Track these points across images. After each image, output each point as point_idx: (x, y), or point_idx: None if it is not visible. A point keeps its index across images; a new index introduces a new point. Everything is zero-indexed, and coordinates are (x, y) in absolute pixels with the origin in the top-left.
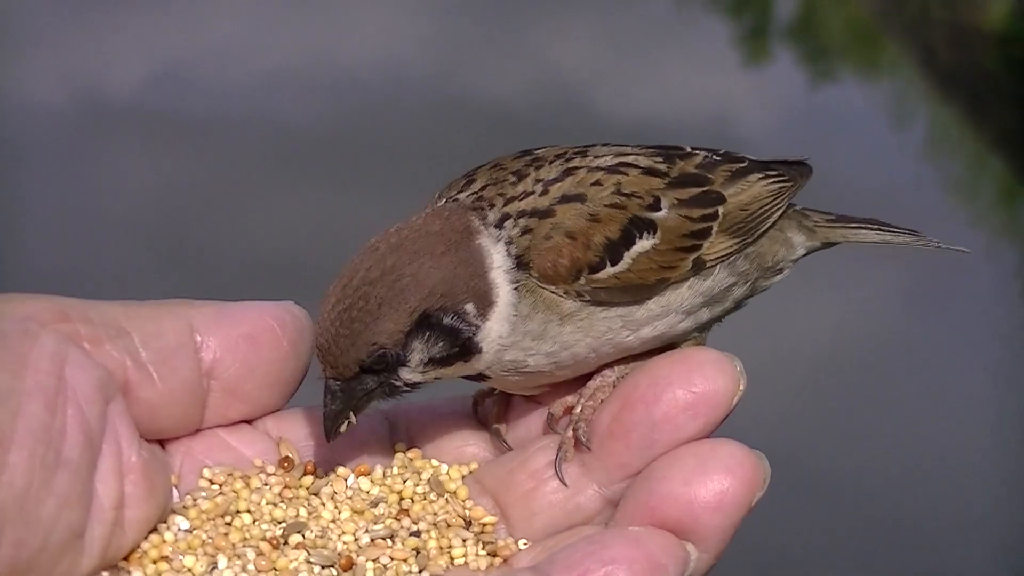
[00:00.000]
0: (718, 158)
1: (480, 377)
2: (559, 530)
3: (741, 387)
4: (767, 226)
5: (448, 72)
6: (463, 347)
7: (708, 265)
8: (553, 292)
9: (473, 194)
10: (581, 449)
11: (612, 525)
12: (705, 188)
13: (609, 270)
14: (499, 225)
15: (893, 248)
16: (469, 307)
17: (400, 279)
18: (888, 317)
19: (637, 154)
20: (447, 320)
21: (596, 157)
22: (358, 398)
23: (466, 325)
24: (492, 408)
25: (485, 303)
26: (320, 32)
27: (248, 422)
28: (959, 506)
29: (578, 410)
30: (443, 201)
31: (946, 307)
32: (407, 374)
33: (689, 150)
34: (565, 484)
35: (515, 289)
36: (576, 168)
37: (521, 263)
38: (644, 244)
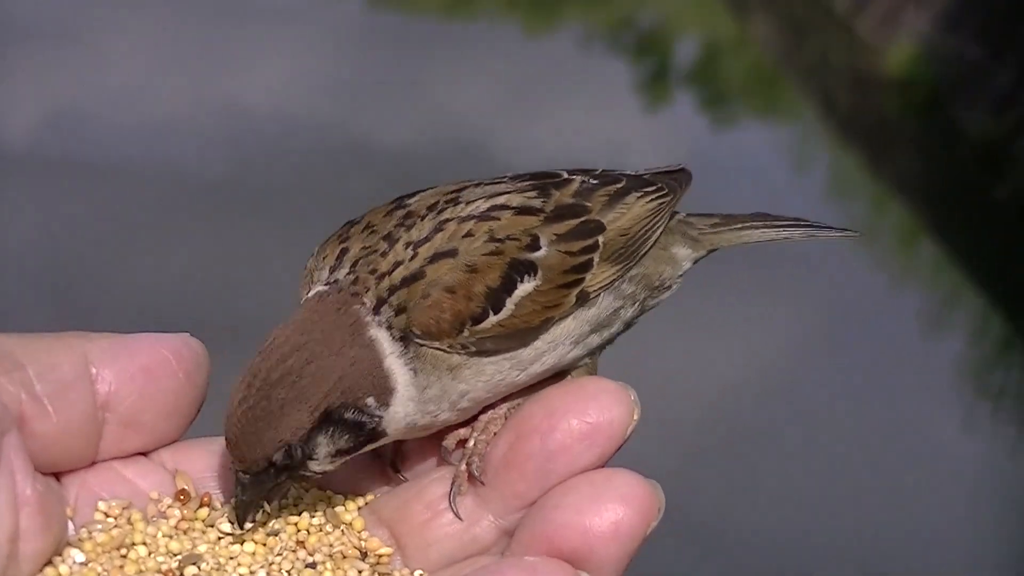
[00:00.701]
0: (595, 181)
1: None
2: (455, 561)
3: (635, 416)
4: (649, 246)
5: (345, 118)
6: (368, 436)
7: (592, 296)
8: (438, 348)
9: (349, 273)
10: (475, 483)
11: (507, 555)
12: (583, 218)
13: (492, 319)
14: (377, 311)
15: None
16: (370, 400)
17: (300, 379)
18: (788, 360)
19: (510, 192)
20: (348, 415)
21: (467, 204)
22: (268, 489)
23: (368, 417)
24: None
25: (385, 392)
26: (216, 77)
27: (144, 454)
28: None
29: (471, 444)
30: (326, 273)
31: (847, 349)
32: (315, 466)
33: (565, 176)
34: (460, 518)
35: (411, 370)
36: (447, 221)
37: (404, 337)
38: (526, 287)
